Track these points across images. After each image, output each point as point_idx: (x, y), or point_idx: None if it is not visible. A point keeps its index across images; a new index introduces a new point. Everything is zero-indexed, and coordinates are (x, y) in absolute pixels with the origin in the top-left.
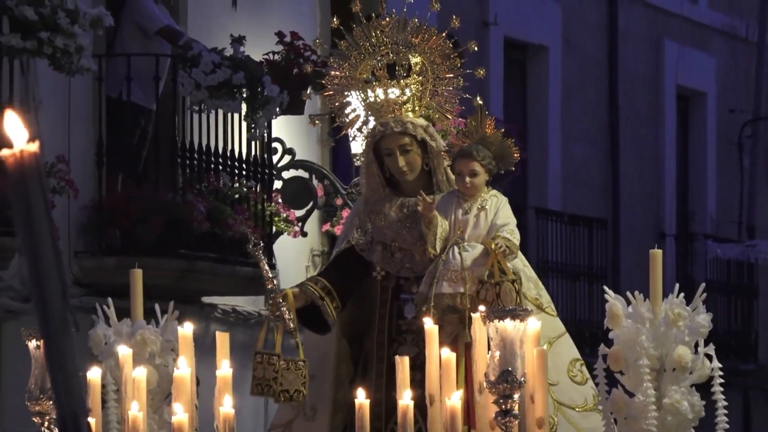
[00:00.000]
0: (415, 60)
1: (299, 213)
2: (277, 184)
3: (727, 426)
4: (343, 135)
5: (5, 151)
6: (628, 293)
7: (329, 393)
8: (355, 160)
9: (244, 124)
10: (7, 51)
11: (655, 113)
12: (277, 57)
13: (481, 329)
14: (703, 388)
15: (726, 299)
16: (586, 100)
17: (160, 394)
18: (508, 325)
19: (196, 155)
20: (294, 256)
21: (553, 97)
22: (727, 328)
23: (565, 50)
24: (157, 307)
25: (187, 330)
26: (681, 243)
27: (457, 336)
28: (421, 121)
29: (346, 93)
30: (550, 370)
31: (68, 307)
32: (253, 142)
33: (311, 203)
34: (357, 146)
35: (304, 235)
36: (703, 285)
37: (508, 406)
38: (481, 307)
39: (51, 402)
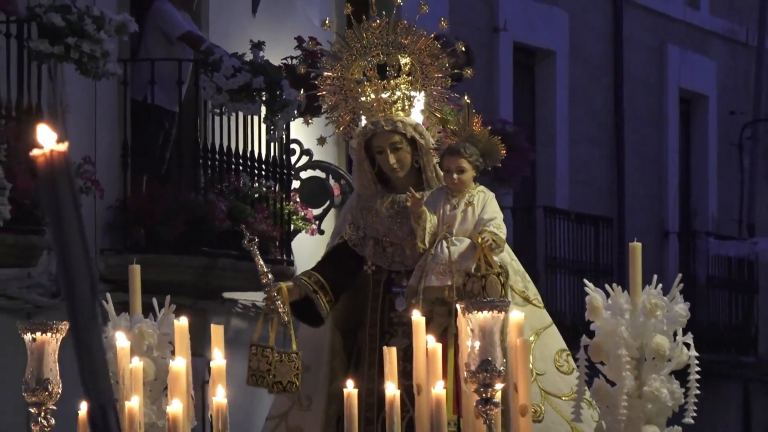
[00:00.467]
0: (404, 60)
1: (316, 212)
2: (296, 184)
3: (695, 413)
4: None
5: (36, 151)
6: (607, 285)
7: (324, 385)
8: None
9: (263, 127)
10: (35, 56)
11: (658, 116)
12: (295, 62)
13: (464, 320)
14: (702, 380)
15: (727, 295)
16: (592, 103)
17: (159, 386)
18: (486, 316)
19: (217, 156)
20: (311, 253)
21: (561, 101)
22: (728, 323)
23: (571, 55)
24: (154, 301)
25: (182, 322)
26: (683, 241)
27: (447, 327)
28: (411, 120)
29: (338, 93)
30: (537, 360)
31: (97, 302)
32: (272, 144)
33: (328, 202)
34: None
35: (321, 232)
36: (679, 276)
37: (488, 395)
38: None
39: (47, 393)
